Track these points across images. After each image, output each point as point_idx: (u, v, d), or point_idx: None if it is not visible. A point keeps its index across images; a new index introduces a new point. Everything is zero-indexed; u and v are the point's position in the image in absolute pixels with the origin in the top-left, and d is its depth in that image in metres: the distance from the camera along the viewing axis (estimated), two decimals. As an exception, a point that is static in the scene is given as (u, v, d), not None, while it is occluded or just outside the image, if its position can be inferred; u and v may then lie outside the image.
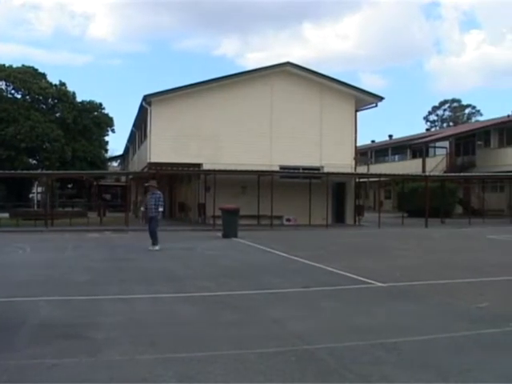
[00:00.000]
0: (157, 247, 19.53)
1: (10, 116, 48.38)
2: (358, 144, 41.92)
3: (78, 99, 54.45)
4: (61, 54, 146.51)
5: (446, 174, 47.04)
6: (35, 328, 8.09)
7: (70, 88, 54.14)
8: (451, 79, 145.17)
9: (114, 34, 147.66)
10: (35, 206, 51.29)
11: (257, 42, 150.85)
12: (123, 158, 70.66)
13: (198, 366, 6.28)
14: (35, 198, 57.86)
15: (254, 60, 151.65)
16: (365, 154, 65.71)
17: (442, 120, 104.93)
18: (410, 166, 55.72)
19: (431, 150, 56.92)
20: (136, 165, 47.10)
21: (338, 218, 37.36)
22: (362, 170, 53.33)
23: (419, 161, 55.08)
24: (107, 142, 60.89)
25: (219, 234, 25.75)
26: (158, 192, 20.34)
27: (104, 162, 60.29)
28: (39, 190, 57.50)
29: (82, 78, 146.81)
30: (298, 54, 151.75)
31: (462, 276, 13.55)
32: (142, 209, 21.08)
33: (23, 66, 52.42)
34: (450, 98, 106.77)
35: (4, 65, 51.76)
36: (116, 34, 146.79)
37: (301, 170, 36.08)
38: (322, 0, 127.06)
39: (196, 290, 11.42)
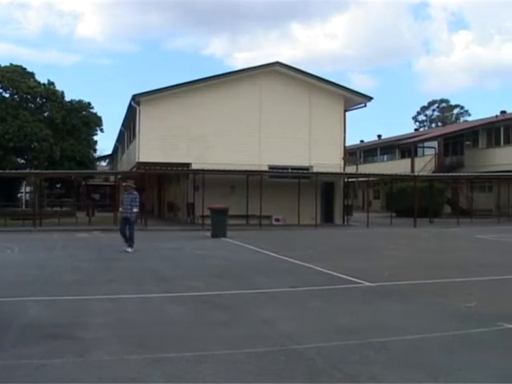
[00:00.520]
0: (130, 249, 18.75)
1: (-2, 115, 48.18)
2: (347, 144, 42.08)
3: (67, 98, 54.18)
4: (49, 53, 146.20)
5: (434, 174, 47.15)
6: (23, 328, 8.04)
7: (59, 87, 53.85)
8: (440, 79, 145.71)
9: (102, 34, 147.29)
10: (23, 206, 51.05)
11: (246, 41, 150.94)
12: (112, 157, 70.52)
13: (187, 366, 6.27)
14: (23, 198, 57.57)
15: (243, 60, 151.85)
16: (354, 154, 65.84)
17: (431, 120, 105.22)
18: (398, 166, 55.79)
19: (420, 150, 57.04)
20: (125, 164, 47.01)
21: (327, 217, 37.39)
22: (351, 169, 53.56)
23: (408, 161, 55.21)
24: (96, 142, 60.58)
25: (208, 233, 25.73)
26: (135, 192, 19.81)
27: (93, 161, 60.00)
28: (27, 189, 57.24)
29: (70, 78, 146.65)
30: (287, 54, 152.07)
31: (451, 275, 13.59)
32: (120, 209, 20.56)
33: (11, 64, 52.10)
34: (438, 98, 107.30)
35: (-8, 64, 51.50)
36: (105, 33, 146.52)
37: (290, 170, 36.09)
38: (311, 0, 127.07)
39: (185, 289, 11.41)
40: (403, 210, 41.27)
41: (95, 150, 62.23)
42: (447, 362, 6.50)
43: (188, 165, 34.16)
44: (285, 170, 35.88)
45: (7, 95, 51.60)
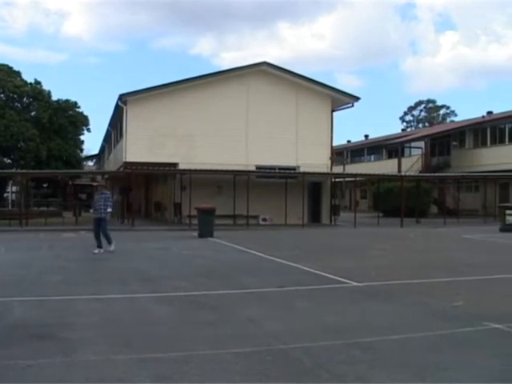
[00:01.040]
0: (102, 249, 18.45)
1: (-17, 115, 47.89)
2: (334, 144, 42.15)
3: (54, 98, 53.91)
4: (36, 52, 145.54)
5: (421, 174, 47.31)
6: (9, 329, 8.00)
7: (46, 86, 53.56)
8: (427, 80, 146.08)
9: (89, 33, 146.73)
10: (10, 206, 50.83)
11: (233, 41, 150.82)
12: (99, 157, 70.27)
13: (174, 366, 6.26)
14: (10, 198, 57.32)
15: (230, 59, 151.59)
16: (341, 154, 65.91)
17: (418, 120, 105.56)
18: (385, 166, 55.91)
19: (407, 150, 57.19)
20: (112, 164, 46.89)
21: (314, 217, 37.46)
22: (338, 169, 53.63)
23: (395, 161, 55.34)
24: (83, 142, 60.20)
25: (195, 233, 25.69)
26: (107, 192, 19.68)
27: (79, 161, 59.71)
28: (14, 189, 57.00)
29: (57, 77, 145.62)
30: (274, 54, 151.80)
31: (438, 275, 13.64)
32: (91, 210, 20.30)
33: (-3, 63, 51.87)
34: (425, 98, 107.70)
35: (-23, 62, 51.20)
36: (92, 32, 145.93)
37: (277, 170, 36.09)
38: (298, 0, 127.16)
39: (172, 289, 11.39)
40: (390, 209, 41.38)
41: (82, 150, 61.92)
42: (433, 362, 6.52)
43: (175, 165, 34.12)
44: (272, 170, 35.88)
45: (-6, 94, 51.32)
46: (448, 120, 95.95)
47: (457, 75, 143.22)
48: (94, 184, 23.26)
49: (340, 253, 19.62)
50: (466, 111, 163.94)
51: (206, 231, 25.21)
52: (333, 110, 38.25)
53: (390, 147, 60.18)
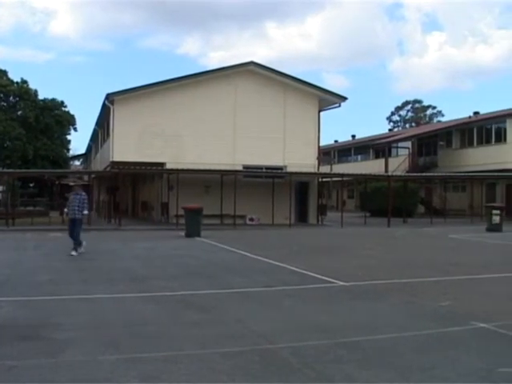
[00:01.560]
0: (77, 251, 17.97)
1: (-31, 114, 47.77)
2: (322, 144, 42.20)
3: (40, 97, 53.86)
4: (22, 51, 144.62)
5: (408, 174, 47.39)
6: (-5, 329, 7.97)
7: (32, 86, 53.54)
8: (414, 80, 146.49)
9: (76, 32, 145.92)
10: (-4, 206, 50.56)
11: (220, 40, 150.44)
12: (86, 156, 70.02)
13: (162, 366, 6.26)
14: (-4, 197, 57.05)
15: (218, 59, 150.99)
16: (328, 154, 65.96)
17: (405, 120, 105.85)
18: (372, 166, 56.00)
19: (394, 150, 57.30)
20: (99, 164, 46.72)
21: (301, 217, 37.48)
22: (325, 169, 53.56)
23: (382, 161, 55.43)
24: (69, 141, 60.27)
25: (182, 233, 25.66)
26: (83, 193, 19.07)
27: (66, 160, 59.68)
28: (0, 189, 56.74)
29: (44, 76, 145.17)
30: (261, 54, 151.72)
31: (425, 275, 13.69)
32: (66, 210, 19.85)
33: (-17, 63, 51.75)
34: (412, 98, 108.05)
35: (-36, 62, 51.13)
36: (78, 31, 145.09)
37: (264, 170, 36.09)
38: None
39: (159, 289, 11.37)
40: (377, 209, 41.50)
41: (69, 150, 61.91)
42: (421, 361, 6.55)
43: (162, 164, 34.05)
44: (259, 170, 35.89)
45: (-20, 94, 51.18)
46: (435, 120, 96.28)
47: (444, 75, 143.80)
48: (71, 184, 22.49)
49: (327, 252, 19.63)
50: (453, 111, 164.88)
51: (193, 231, 25.18)
52: (320, 110, 38.27)
53: (377, 147, 60.27)
